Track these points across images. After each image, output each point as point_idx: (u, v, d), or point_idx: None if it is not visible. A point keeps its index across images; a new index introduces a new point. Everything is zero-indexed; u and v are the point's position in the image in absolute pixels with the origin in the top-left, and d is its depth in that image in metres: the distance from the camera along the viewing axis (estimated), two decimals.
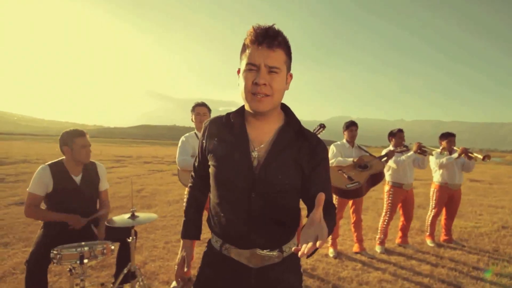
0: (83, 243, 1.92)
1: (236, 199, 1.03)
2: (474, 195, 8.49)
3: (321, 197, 0.78)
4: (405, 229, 3.91)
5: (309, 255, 0.74)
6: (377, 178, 3.24)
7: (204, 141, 1.13)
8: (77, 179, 2.20)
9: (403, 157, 3.59)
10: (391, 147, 3.74)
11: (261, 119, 1.04)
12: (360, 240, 3.63)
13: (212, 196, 1.10)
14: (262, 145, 1.04)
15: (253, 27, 0.94)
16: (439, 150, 3.85)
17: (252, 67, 0.95)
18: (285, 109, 1.10)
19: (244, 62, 0.97)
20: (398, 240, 3.96)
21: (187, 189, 2.54)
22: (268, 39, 0.93)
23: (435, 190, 4.05)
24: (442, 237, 4.14)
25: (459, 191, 4.01)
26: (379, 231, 3.82)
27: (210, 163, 1.09)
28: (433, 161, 3.99)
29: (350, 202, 3.57)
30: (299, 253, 0.72)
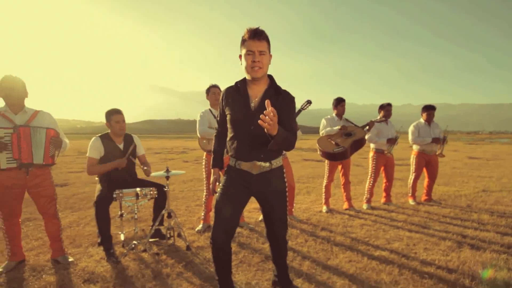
0: (137, 188, 2.64)
1: (242, 131, 1.71)
2: (468, 169, 9.06)
3: (268, 103, 1.46)
4: (387, 189, 4.56)
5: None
6: (360, 143, 3.88)
7: (223, 102, 1.81)
8: (121, 146, 2.91)
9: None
10: (378, 118, 4.38)
11: (256, 83, 1.72)
12: (348, 199, 4.31)
13: (229, 133, 1.79)
14: (256, 98, 1.72)
15: (247, 29, 1.61)
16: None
17: (250, 52, 1.62)
18: (270, 77, 1.77)
19: (244, 50, 1.64)
20: (382, 200, 4.63)
21: (205, 153, 3.24)
22: (257, 35, 1.60)
23: (414, 156, 4.69)
24: (423, 197, 4.79)
25: (435, 156, 4.62)
26: (365, 191, 4.48)
27: (227, 113, 1.76)
28: (410, 133, 4.63)
29: (340, 166, 4.23)
30: (259, 121, 1.44)
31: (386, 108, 4.39)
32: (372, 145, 4.45)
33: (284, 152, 3.67)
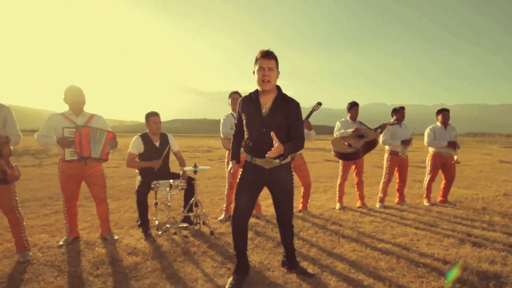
0: (170, 180, 3.12)
1: (256, 133, 2.09)
2: (495, 173, 8.78)
3: (273, 134, 1.87)
4: (401, 189, 4.73)
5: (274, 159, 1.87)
6: (372, 144, 4.12)
7: (239, 108, 2.20)
8: (157, 143, 3.41)
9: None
10: (391, 121, 4.57)
11: (266, 93, 2.09)
12: (362, 197, 4.54)
13: (245, 135, 2.18)
14: (267, 105, 2.09)
15: (260, 50, 1.99)
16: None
17: (261, 68, 2.00)
18: (277, 87, 2.14)
19: (257, 66, 2.03)
20: (396, 200, 4.80)
21: (227, 152, 3.66)
22: (267, 55, 1.98)
23: (430, 158, 4.81)
24: (439, 198, 4.89)
25: (451, 158, 4.71)
26: (379, 190, 4.69)
27: (243, 118, 2.15)
28: (426, 135, 4.75)
29: (353, 166, 4.48)
30: (266, 155, 1.82)
31: (399, 111, 4.57)
32: (386, 147, 4.65)
33: (300, 151, 4.01)
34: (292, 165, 2.24)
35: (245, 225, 2.18)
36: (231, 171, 2.40)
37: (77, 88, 2.77)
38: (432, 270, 2.44)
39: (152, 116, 3.37)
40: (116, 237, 3.02)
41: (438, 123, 4.78)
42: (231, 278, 2.17)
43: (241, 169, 2.24)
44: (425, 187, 4.86)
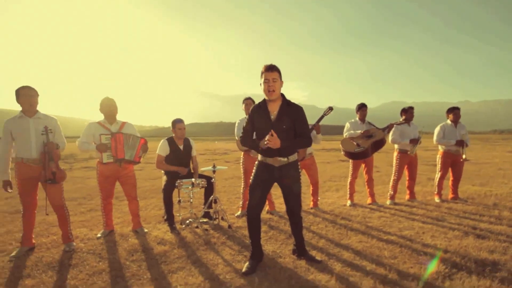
0: (192, 179, 3.48)
1: (266, 134, 2.39)
2: None
3: (272, 132, 2.19)
4: (411, 187, 4.87)
5: (266, 151, 2.24)
6: (380, 143, 4.32)
7: (250, 116, 2.50)
8: (181, 147, 3.78)
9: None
10: (400, 120, 4.73)
11: (273, 102, 2.39)
12: (372, 194, 4.73)
13: (257, 138, 2.48)
14: (275, 112, 2.39)
15: (264, 65, 2.30)
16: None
17: (266, 80, 2.31)
18: (282, 95, 2.43)
19: (262, 79, 2.33)
20: (407, 197, 4.94)
21: (243, 153, 3.98)
22: (271, 69, 2.28)
23: (440, 156, 4.93)
24: (450, 195, 4.98)
25: (460, 156, 4.80)
26: (389, 188, 4.85)
27: (255, 124, 2.46)
28: (435, 133, 4.88)
29: (363, 165, 4.68)
30: (264, 143, 2.18)
31: (408, 111, 4.72)
32: (396, 146, 4.81)
33: (310, 151, 4.27)
34: (300, 164, 2.52)
35: (259, 217, 2.49)
36: (264, 146, 2.37)
37: (111, 99, 3.18)
38: (432, 258, 2.64)
39: (177, 123, 3.76)
40: (146, 230, 3.41)
41: (449, 121, 4.89)
42: (247, 263, 2.48)
43: (254, 168, 2.55)
44: (436, 184, 4.96)
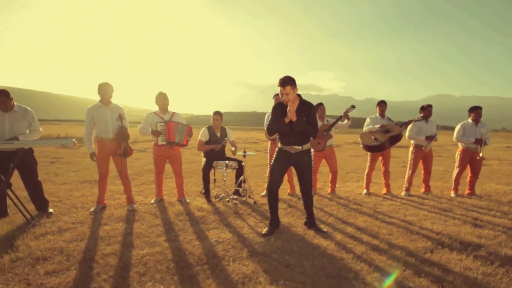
0: (227, 161, 4.22)
1: (285, 127, 3.00)
2: None
3: (291, 109, 2.81)
4: (426, 180, 5.18)
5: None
6: (396, 138, 4.70)
7: (274, 110, 3.12)
8: (218, 134, 4.52)
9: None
10: (419, 117, 5.03)
11: (290, 103, 2.97)
12: (387, 185, 5.13)
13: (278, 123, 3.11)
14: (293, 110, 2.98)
15: (279, 79, 2.88)
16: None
17: (281, 94, 2.91)
18: (299, 95, 3.00)
19: (278, 92, 2.95)
20: (422, 190, 5.26)
21: (270, 142, 4.62)
22: (282, 85, 2.86)
23: (459, 152, 5.15)
24: (466, 191, 5.20)
25: (477, 154, 4.97)
26: (405, 181, 5.20)
27: (279, 117, 3.08)
28: (456, 131, 5.09)
29: (380, 157, 5.07)
30: (289, 110, 2.83)
31: (426, 109, 5.00)
32: (412, 141, 5.13)
33: (330, 143, 4.78)
34: (312, 152, 3.11)
35: (277, 192, 3.14)
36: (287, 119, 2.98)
37: (164, 94, 3.99)
38: (424, 237, 3.10)
39: (213, 115, 4.50)
40: (188, 200, 4.23)
41: (470, 120, 5.07)
42: (266, 228, 3.15)
43: (275, 154, 3.18)
44: (453, 179, 5.21)
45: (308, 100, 3.07)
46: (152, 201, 4.18)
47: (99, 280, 2.14)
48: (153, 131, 3.94)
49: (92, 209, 3.76)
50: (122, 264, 2.39)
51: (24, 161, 3.31)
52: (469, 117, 5.11)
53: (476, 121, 5.02)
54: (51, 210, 3.64)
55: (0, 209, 3.34)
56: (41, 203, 3.58)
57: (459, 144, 5.16)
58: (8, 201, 3.30)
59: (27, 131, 3.42)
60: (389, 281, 2.21)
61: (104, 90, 3.63)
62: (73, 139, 3.24)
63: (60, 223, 3.29)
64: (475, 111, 5.04)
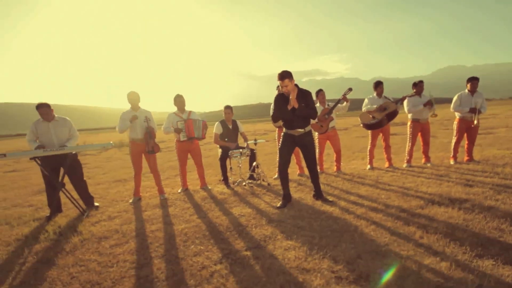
0: (240, 149, 4.77)
1: (288, 116, 3.50)
2: None
3: (292, 96, 3.34)
4: (425, 151, 5.58)
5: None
6: (393, 114, 5.11)
7: (276, 100, 3.63)
8: (230, 127, 5.07)
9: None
10: (412, 93, 5.41)
11: (292, 93, 3.47)
12: (389, 159, 5.57)
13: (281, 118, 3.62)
14: (293, 98, 3.48)
15: (278, 73, 3.38)
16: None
17: (281, 85, 3.40)
18: (296, 85, 3.48)
19: (278, 84, 3.46)
20: (423, 160, 5.66)
21: (277, 129, 5.14)
22: (281, 78, 3.35)
23: (456, 122, 5.52)
24: (465, 158, 5.59)
25: (472, 122, 5.33)
26: (406, 154, 5.62)
27: (281, 106, 3.59)
28: (453, 101, 5.46)
29: (380, 134, 5.50)
30: (291, 99, 3.38)
31: (418, 85, 5.36)
32: (409, 116, 5.52)
33: (333, 125, 5.24)
34: (316, 134, 3.62)
35: (286, 170, 3.67)
36: (290, 106, 3.52)
37: (181, 95, 4.54)
38: (418, 197, 3.57)
39: (225, 109, 5.04)
40: (209, 187, 4.82)
41: (466, 90, 5.40)
42: (280, 202, 3.69)
43: (281, 138, 3.70)
44: (452, 148, 5.59)
45: (314, 85, 3.57)
46: (179, 191, 4.78)
47: (153, 247, 2.74)
48: (175, 129, 4.51)
49: (131, 201, 4.40)
50: (168, 235, 2.98)
51: (72, 164, 3.94)
52: (466, 87, 5.42)
53: (472, 91, 5.35)
54: (97, 204, 4.30)
55: (56, 206, 4.00)
56: (88, 199, 4.23)
57: (456, 114, 5.52)
58: (62, 199, 3.96)
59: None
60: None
61: (131, 98, 4.22)
62: (111, 142, 3.85)
63: (108, 212, 3.93)
64: (471, 81, 5.35)
